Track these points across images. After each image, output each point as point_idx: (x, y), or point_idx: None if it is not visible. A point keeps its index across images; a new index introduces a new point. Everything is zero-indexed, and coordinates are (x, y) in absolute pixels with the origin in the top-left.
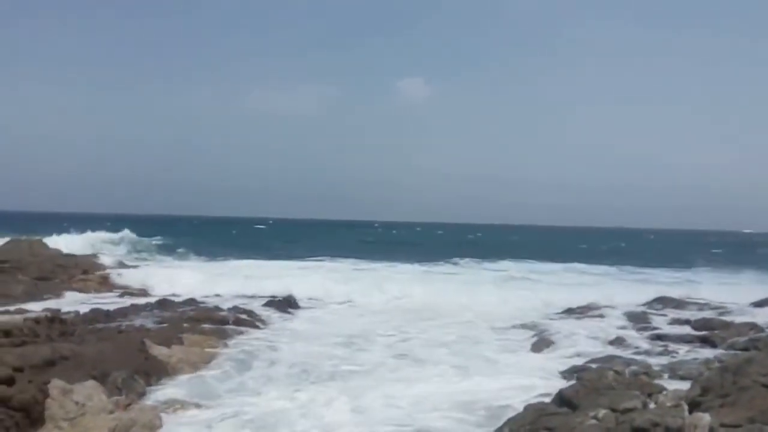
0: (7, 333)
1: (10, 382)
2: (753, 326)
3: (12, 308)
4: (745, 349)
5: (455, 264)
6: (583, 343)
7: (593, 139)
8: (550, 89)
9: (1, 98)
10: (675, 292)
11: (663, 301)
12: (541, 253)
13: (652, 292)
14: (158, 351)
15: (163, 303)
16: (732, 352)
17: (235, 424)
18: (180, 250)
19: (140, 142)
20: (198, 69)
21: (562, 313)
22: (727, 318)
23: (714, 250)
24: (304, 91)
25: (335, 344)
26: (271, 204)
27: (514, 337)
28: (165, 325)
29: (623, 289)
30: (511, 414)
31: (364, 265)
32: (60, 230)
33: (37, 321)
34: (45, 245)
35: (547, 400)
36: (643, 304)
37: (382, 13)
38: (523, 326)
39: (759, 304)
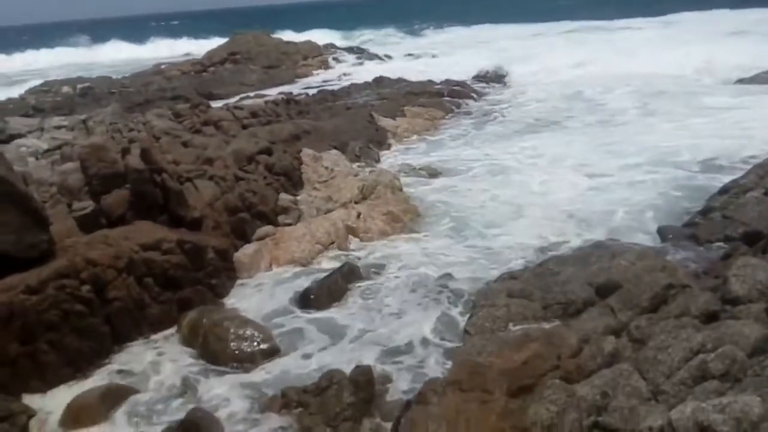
0: (254, 114)
1: (269, 152)
2: None
3: (251, 94)
4: None
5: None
6: None
7: None
8: None
9: None
10: None
11: None
12: None
13: None
14: (385, 123)
15: (380, 81)
16: None
17: (475, 176)
18: (383, 30)
19: None
20: None
21: None
22: None
23: None
24: None
25: (556, 107)
26: None
27: (753, 88)
28: (386, 100)
29: None
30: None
31: (577, 24)
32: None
33: (276, 103)
34: (268, 35)
35: None
36: None
37: None
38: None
39: None
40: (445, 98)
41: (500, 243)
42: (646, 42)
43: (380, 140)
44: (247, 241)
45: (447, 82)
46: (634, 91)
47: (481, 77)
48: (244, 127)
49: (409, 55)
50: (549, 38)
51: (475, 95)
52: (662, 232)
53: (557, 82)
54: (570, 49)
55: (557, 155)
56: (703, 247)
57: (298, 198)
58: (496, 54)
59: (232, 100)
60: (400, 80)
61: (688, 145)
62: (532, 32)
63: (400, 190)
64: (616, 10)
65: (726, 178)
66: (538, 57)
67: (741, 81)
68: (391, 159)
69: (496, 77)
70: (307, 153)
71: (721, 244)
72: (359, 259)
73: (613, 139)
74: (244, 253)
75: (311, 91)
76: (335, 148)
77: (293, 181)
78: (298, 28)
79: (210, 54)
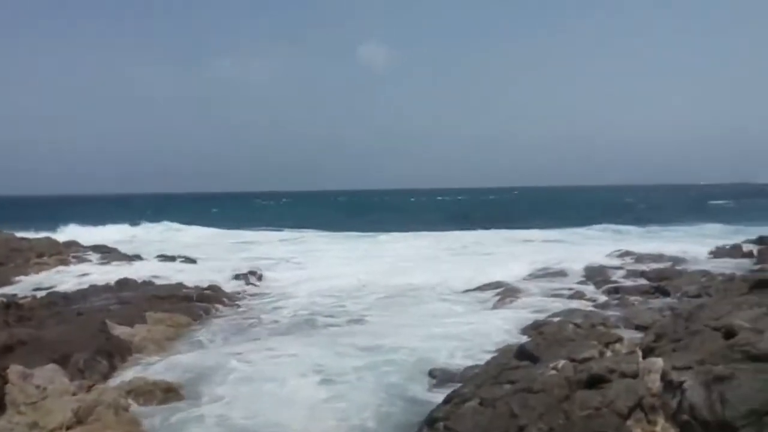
0: None
1: None
2: (705, 274)
3: None
4: (697, 296)
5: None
6: (544, 299)
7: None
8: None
9: None
10: (635, 246)
11: (621, 255)
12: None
13: (610, 247)
14: (121, 331)
15: (124, 283)
16: (685, 299)
17: (215, 391)
18: (142, 223)
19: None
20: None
21: (527, 274)
22: (681, 267)
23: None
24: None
25: (308, 311)
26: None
27: (479, 296)
28: (127, 304)
29: (585, 246)
30: (473, 370)
31: (342, 234)
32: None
33: None
34: None
35: (509, 354)
36: (605, 257)
37: None
38: (487, 286)
39: (716, 254)
40: (194, 302)
41: None
42: (398, 256)
43: (113, 351)
44: None
45: (198, 285)
46: (381, 298)
47: (236, 281)
48: None
49: (162, 256)
50: (308, 245)
51: (227, 299)
52: None
53: (311, 288)
54: (327, 255)
55: (302, 361)
56: None
57: None
58: (255, 258)
59: None
60: (147, 283)
61: (424, 348)
62: (295, 236)
63: (126, 410)
64: (379, 225)
65: (452, 386)
66: (296, 263)
67: (467, 291)
68: (122, 373)
69: (251, 281)
70: (15, 370)
71: None
72: None
73: (354, 342)
74: None
75: (40, 294)
76: (55, 361)
77: None
78: (46, 224)
79: None
